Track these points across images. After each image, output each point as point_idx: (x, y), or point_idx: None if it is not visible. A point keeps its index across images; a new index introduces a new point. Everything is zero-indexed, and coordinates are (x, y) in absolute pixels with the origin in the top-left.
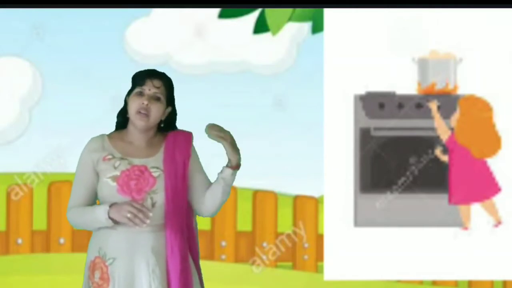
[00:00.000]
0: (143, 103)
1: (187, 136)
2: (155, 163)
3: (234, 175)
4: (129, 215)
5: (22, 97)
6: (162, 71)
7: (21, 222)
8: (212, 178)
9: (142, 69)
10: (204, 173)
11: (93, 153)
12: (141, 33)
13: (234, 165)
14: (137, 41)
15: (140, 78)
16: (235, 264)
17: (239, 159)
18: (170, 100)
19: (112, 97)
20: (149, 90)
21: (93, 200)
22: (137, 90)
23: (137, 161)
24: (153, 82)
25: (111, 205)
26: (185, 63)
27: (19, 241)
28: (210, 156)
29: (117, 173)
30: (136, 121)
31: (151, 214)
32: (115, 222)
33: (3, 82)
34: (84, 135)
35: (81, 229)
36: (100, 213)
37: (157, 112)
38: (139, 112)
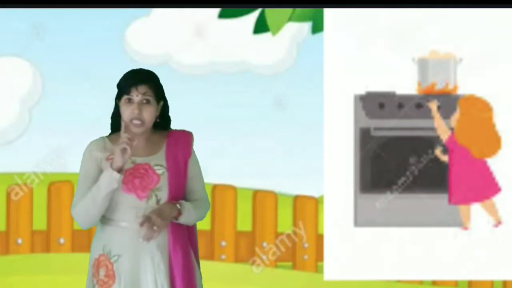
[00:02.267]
0: (134, 112)
1: (188, 136)
2: (158, 160)
3: (182, 219)
4: (123, 145)
5: (22, 97)
6: (146, 69)
7: (21, 222)
8: (212, 177)
9: (130, 70)
10: (200, 180)
11: (97, 152)
12: (141, 33)
13: (176, 217)
14: (137, 41)
15: (125, 86)
16: (235, 264)
17: (173, 210)
18: (160, 95)
19: (112, 97)
20: (137, 96)
21: None
22: (126, 97)
23: (139, 160)
24: (137, 89)
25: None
26: (185, 63)
27: (19, 241)
28: (210, 155)
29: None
30: (131, 128)
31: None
32: (122, 173)
33: (3, 82)
34: (84, 135)
35: (86, 228)
36: (105, 176)
37: (149, 115)
38: (131, 121)
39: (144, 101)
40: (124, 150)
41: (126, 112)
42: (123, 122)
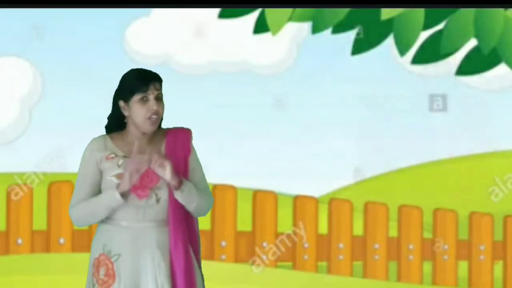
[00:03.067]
0: (153, 109)
1: (187, 133)
2: None
3: (184, 193)
4: (133, 168)
5: (22, 97)
6: (149, 69)
7: (21, 222)
8: (211, 177)
9: (135, 70)
10: (201, 173)
11: (96, 152)
12: (141, 33)
13: (175, 186)
14: (137, 41)
15: (142, 83)
16: (235, 264)
17: (173, 178)
18: None
19: (112, 97)
20: (153, 93)
21: None
22: (140, 96)
23: None
24: (155, 85)
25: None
26: (185, 63)
27: (19, 241)
28: (210, 155)
29: (121, 171)
30: (147, 126)
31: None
32: (125, 197)
33: (3, 82)
34: (84, 135)
35: (82, 227)
36: (108, 195)
37: (163, 111)
38: (149, 118)
39: (159, 98)
40: (133, 175)
41: (142, 111)
42: (135, 123)
